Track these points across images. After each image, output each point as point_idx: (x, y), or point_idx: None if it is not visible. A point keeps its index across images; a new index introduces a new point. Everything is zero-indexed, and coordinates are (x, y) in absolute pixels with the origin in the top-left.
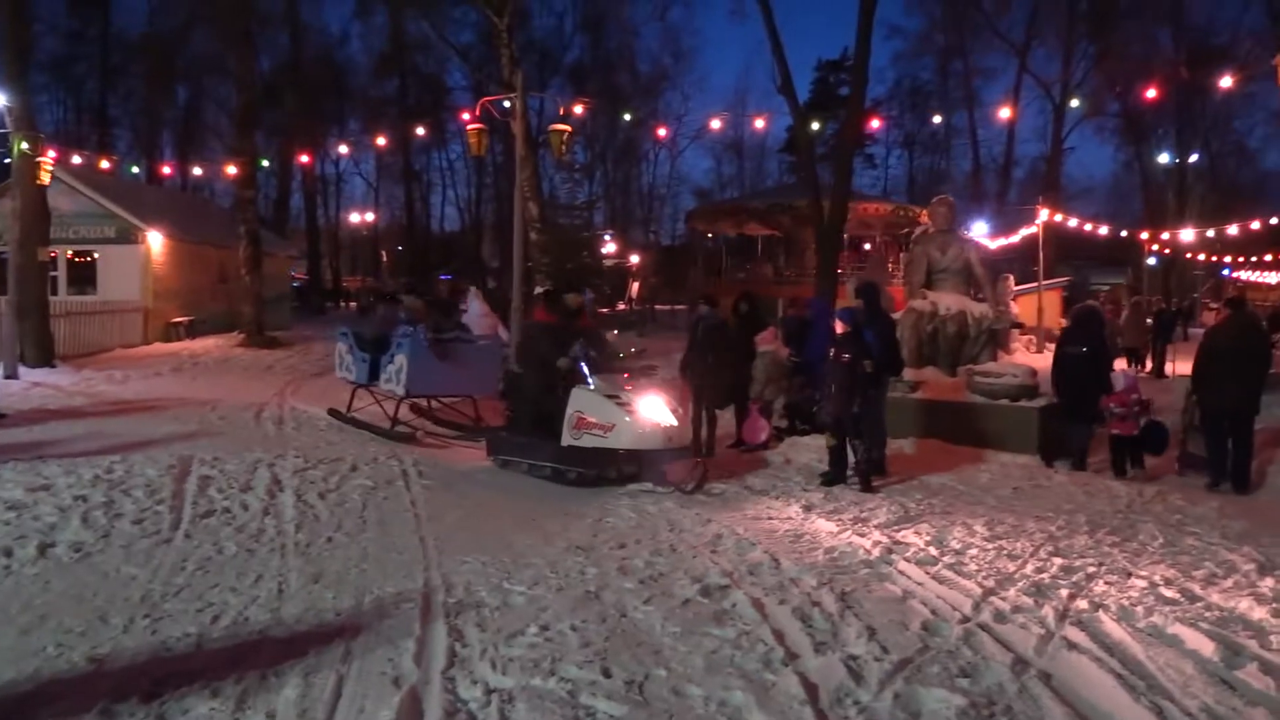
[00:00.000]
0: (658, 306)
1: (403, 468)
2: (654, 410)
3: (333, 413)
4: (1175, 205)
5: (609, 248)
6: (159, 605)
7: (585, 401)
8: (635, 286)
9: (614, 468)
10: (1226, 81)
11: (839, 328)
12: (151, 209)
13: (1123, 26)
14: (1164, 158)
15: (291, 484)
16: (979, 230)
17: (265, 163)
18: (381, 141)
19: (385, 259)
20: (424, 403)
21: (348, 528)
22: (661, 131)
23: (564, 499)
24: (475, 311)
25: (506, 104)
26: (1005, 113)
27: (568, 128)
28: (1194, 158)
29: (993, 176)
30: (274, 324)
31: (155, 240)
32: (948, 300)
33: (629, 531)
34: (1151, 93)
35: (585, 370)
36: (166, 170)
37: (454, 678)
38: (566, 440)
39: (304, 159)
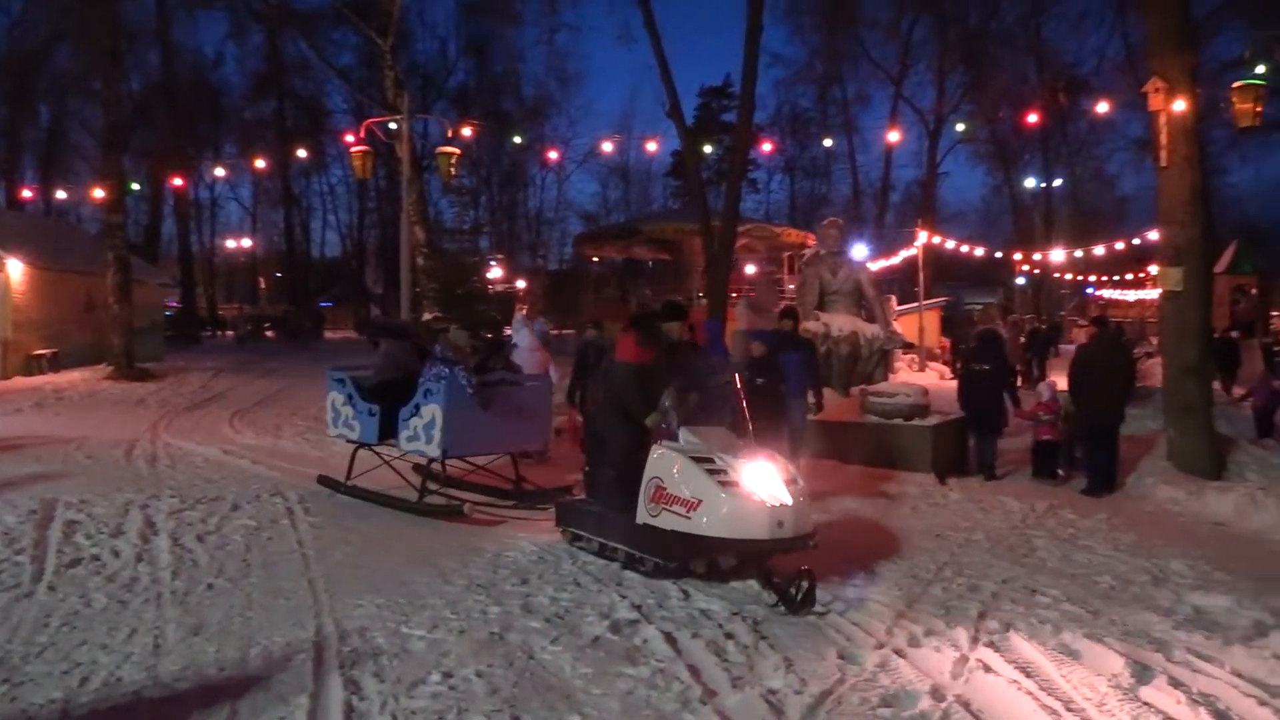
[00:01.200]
0: (553, 331)
1: (288, 505)
2: (761, 483)
3: (326, 482)
4: (1042, 227)
5: (495, 273)
6: (19, 668)
7: (665, 465)
8: (523, 311)
9: (701, 560)
10: (1104, 107)
11: (757, 350)
12: (10, 235)
13: (990, 57)
14: (1030, 182)
15: (167, 527)
16: (860, 253)
17: (135, 186)
18: (259, 165)
19: (263, 286)
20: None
21: (230, 572)
22: (553, 154)
23: (460, 533)
24: (525, 344)
25: (393, 125)
26: (893, 136)
27: (456, 150)
28: (1058, 182)
29: (871, 200)
30: (145, 355)
31: (15, 268)
32: (840, 321)
33: (530, 566)
34: (1027, 118)
35: (674, 422)
36: (27, 194)
37: None
38: (642, 517)
39: (177, 182)
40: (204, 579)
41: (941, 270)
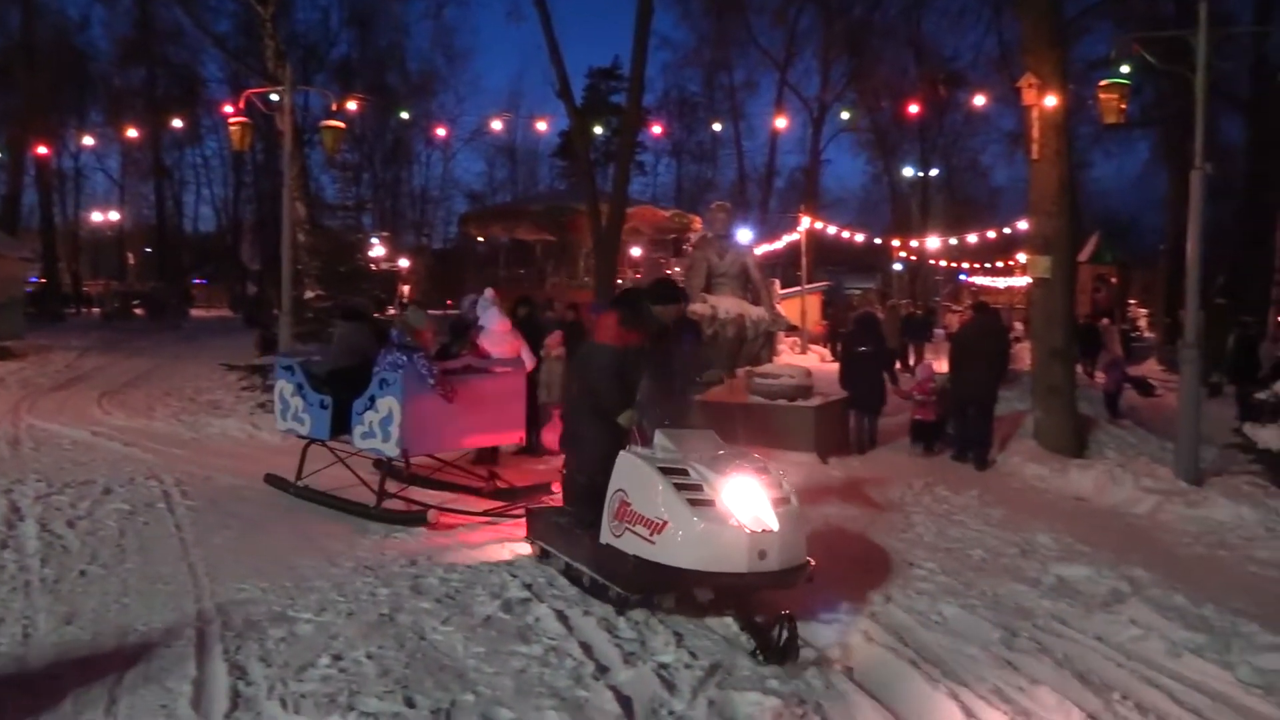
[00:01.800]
0: (431, 311)
1: (164, 488)
2: (743, 503)
3: (273, 481)
4: (919, 215)
5: (378, 250)
6: None
7: (631, 476)
8: (406, 290)
9: (669, 593)
10: (980, 101)
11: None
12: None
13: (873, 48)
14: (909, 171)
15: (34, 512)
16: (744, 237)
17: None
18: (129, 134)
19: (132, 261)
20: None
21: (104, 558)
22: (441, 131)
23: (347, 516)
24: (493, 325)
25: (274, 97)
26: (780, 123)
27: (341, 125)
28: (935, 172)
29: (756, 185)
30: (4, 333)
31: None
32: (726, 304)
33: (419, 548)
34: (907, 109)
35: (644, 425)
36: None
37: None
38: (605, 535)
39: (40, 151)
40: (76, 565)
41: (823, 255)
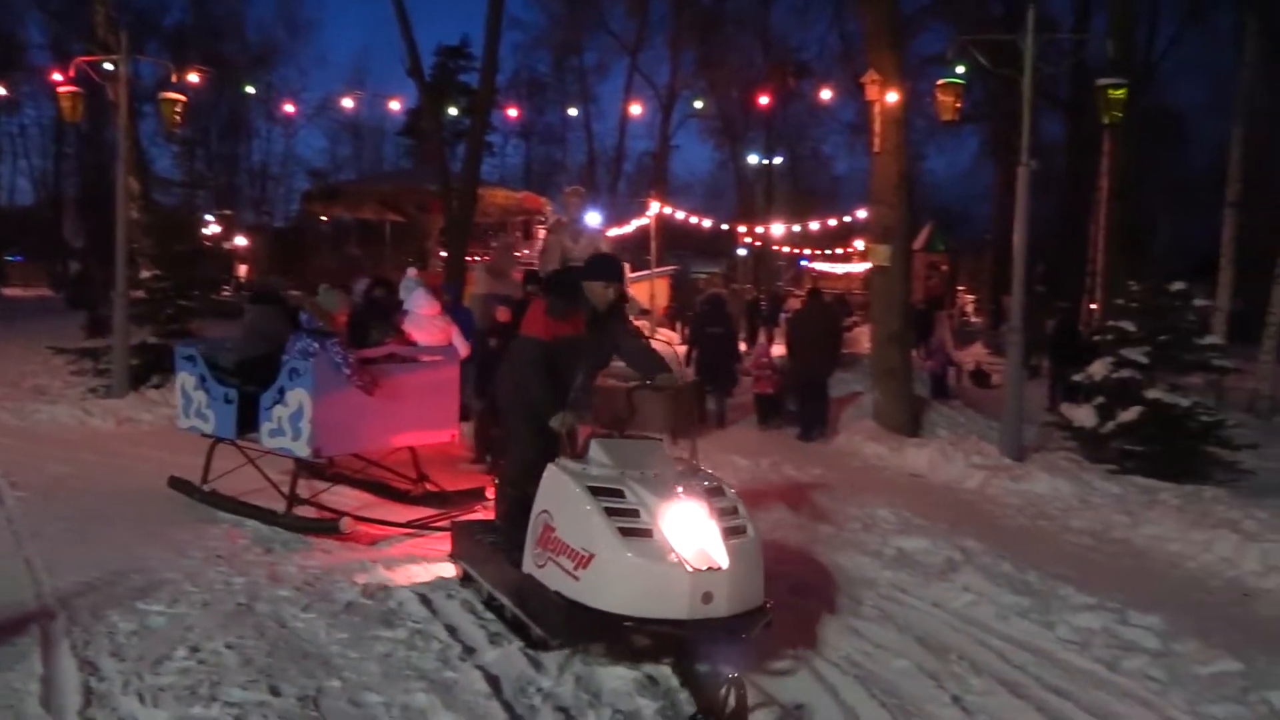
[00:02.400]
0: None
1: None
2: (685, 534)
3: (179, 485)
4: (763, 202)
5: (213, 228)
6: None
7: (556, 495)
8: (244, 270)
9: (596, 640)
10: (827, 93)
11: (503, 315)
12: None
13: (722, 37)
14: (754, 159)
15: None
16: (593, 220)
17: None
18: None
19: None
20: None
21: None
22: (289, 108)
23: (190, 504)
24: (420, 309)
25: (108, 66)
26: (635, 110)
27: (181, 96)
28: (779, 160)
29: (605, 169)
30: None
31: None
32: None
33: (274, 535)
34: (755, 98)
35: (591, 442)
36: None
37: (95, 718)
38: (528, 564)
39: None
40: None
41: (670, 240)
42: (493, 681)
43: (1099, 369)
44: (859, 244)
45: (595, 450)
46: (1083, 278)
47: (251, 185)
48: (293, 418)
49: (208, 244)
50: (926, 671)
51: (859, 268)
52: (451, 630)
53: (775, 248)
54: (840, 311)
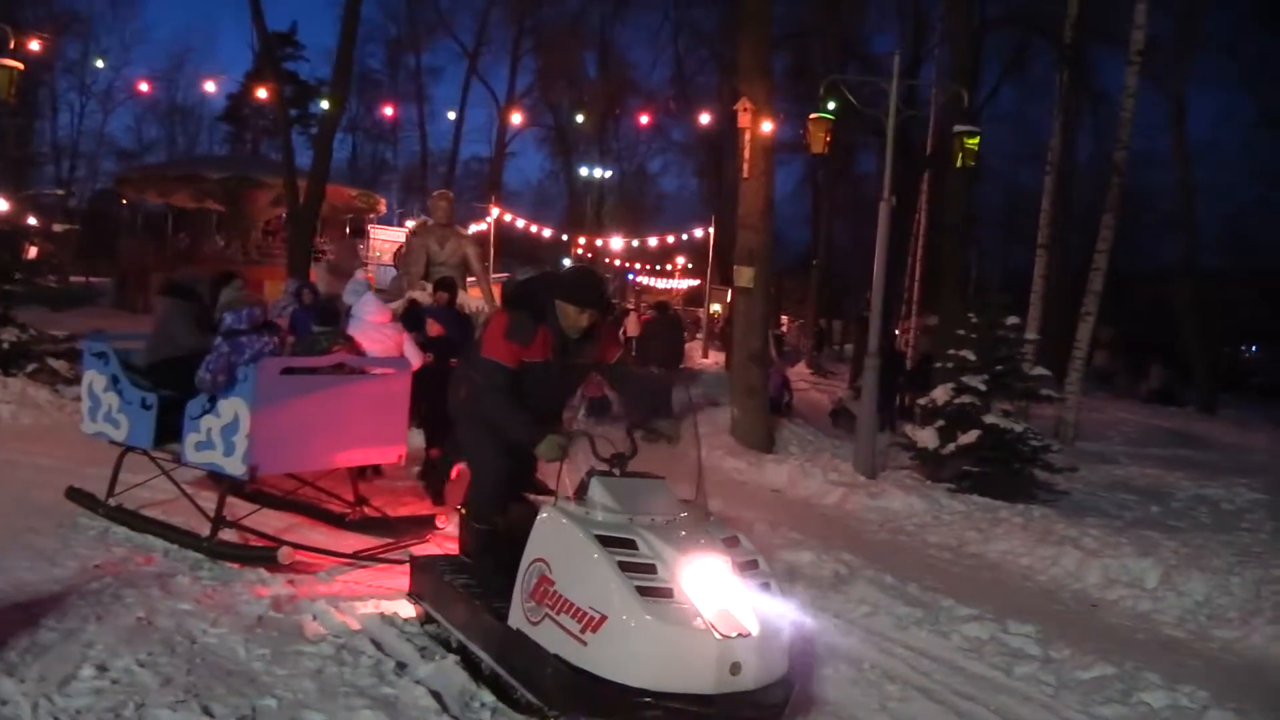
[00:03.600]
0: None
1: None
2: (708, 594)
3: (77, 497)
4: (593, 214)
5: None
6: None
7: (556, 543)
8: (34, 252)
9: (606, 712)
10: (702, 116)
11: (434, 329)
12: None
13: (559, 47)
14: (585, 170)
15: None
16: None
17: None
18: None
19: None
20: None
21: None
22: (144, 86)
23: (45, 500)
24: (369, 315)
25: None
26: (452, 114)
27: (19, 64)
28: (609, 174)
29: (437, 171)
30: None
31: None
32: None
33: (151, 541)
34: (590, 112)
35: (592, 482)
36: None
37: None
38: (517, 618)
39: None
40: None
41: (499, 247)
42: (435, 696)
43: (941, 394)
44: (680, 260)
45: (597, 491)
46: (897, 305)
47: (55, 164)
48: (225, 430)
49: None
50: (847, 680)
51: (681, 284)
52: (378, 645)
53: (608, 260)
54: (682, 325)
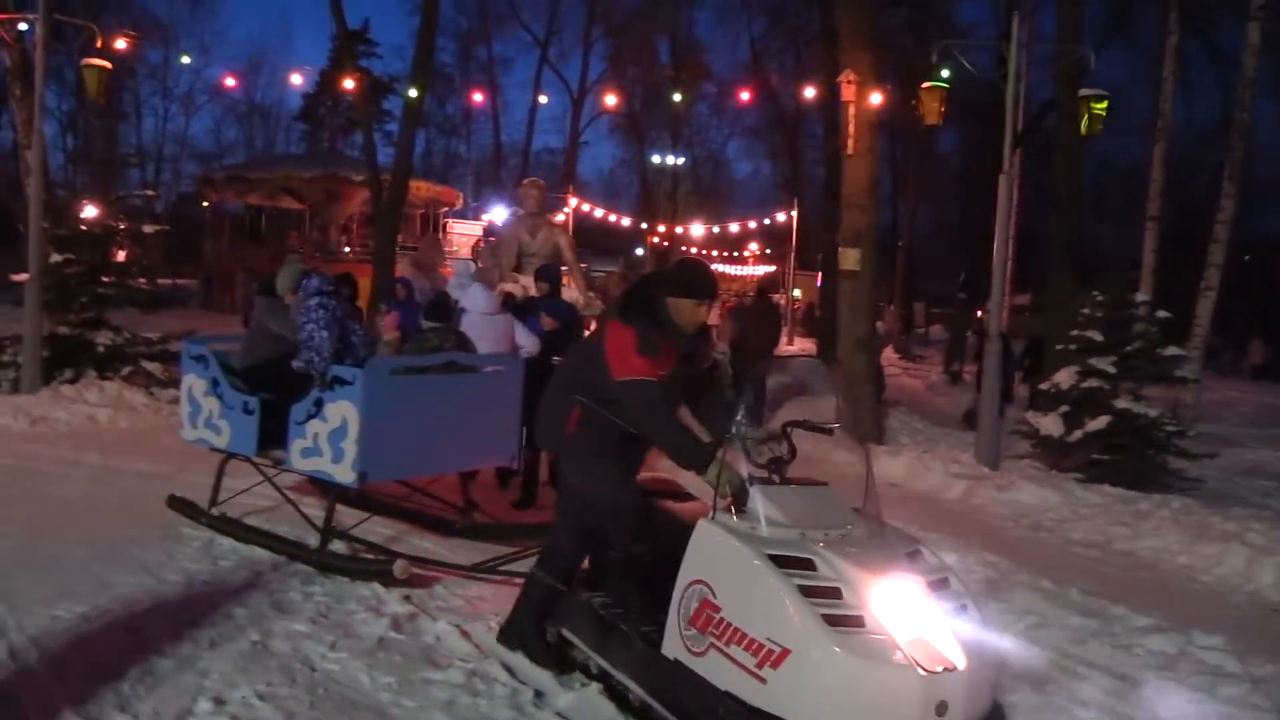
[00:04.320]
0: (160, 281)
1: None
2: (903, 622)
3: (179, 506)
4: (667, 202)
5: (89, 211)
6: None
7: (721, 564)
8: (123, 255)
9: None
10: (746, 96)
11: (548, 323)
12: None
13: (631, 33)
14: (657, 158)
15: None
16: (499, 214)
17: None
18: None
19: None
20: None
21: None
22: (230, 81)
23: (144, 510)
24: (482, 308)
25: (23, 26)
26: (542, 99)
27: (107, 64)
28: (681, 160)
29: (510, 163)
30: None
31: None
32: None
33: (255, 552)
34: (664, 97)
35: (756, 492)
36: None
37: None
38: (673, 647)
39: None
40: None
41: (575, 236)
42: None
43: (1065, 378)
44: (754, 247)
45: (761, 502)
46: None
47: (141, 168)
48: (333, 436)
49: (83, 227)
50: (1034, 708)
51: (757, 270)
52: (510, 670)
53: (684, 249)
54: (780, 313)
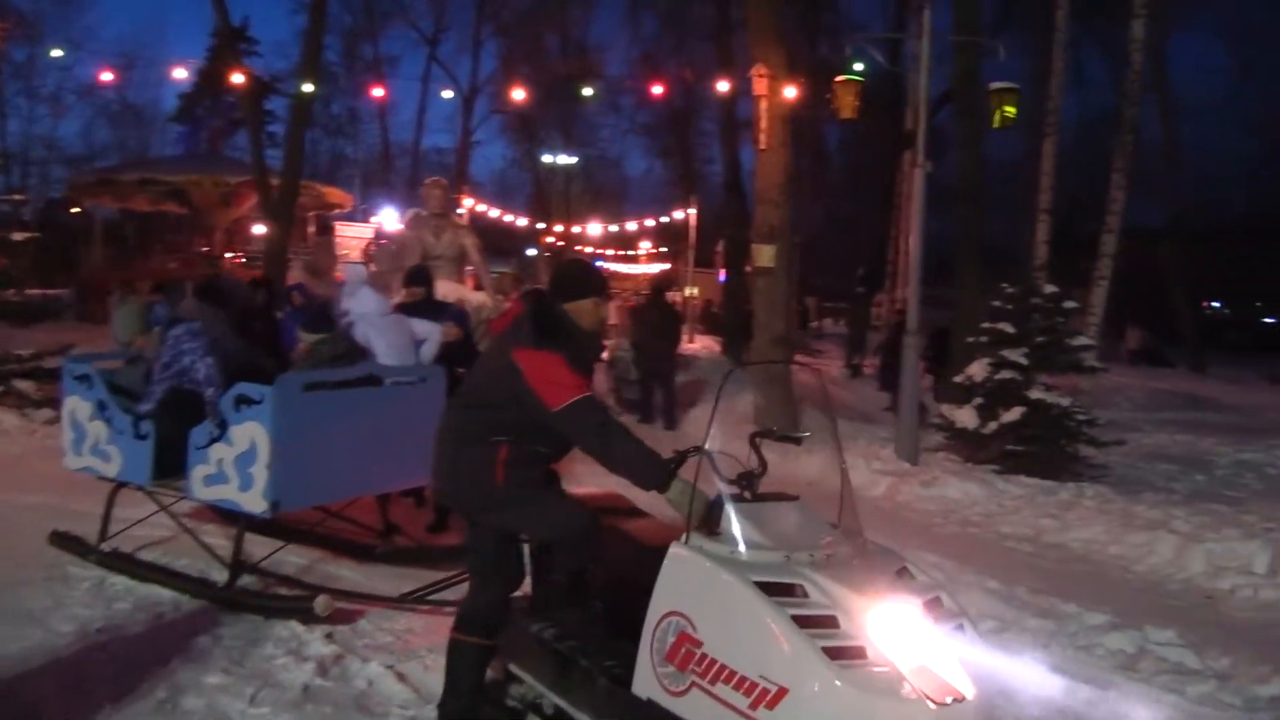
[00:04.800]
0: (30, 292)
1: None
2: (905, 649)
3: (64, 542)
4: (561, 201)
5: None
6: None
7: (700, 591)
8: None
9: None
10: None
11: (451, 334)
12: None
13: (522, 31)
14: (549, 158)
15: None
16: (389, 216)
17: None
18: None
19: None
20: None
21: None
22: (107, 76)
23: (26, 545)
24: (371, 306)
25: None
26: (445, 94)
27: None
28: (573, 160)
29: (399, 164)
30: None
31: None
32: (444, 289)
33: (159, 592)
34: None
35: (732, 512)
36: None
37: None
38: (646, 686)
39: None
40: None
41: None
42: None
43: (978, 370)
44: (646, 245)
45: (738, 522)
46: (883, 279)
47: (5, 171)
48: (240, 461)
49: None
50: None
51: (651, 269)
52: None
53: (579, 248)
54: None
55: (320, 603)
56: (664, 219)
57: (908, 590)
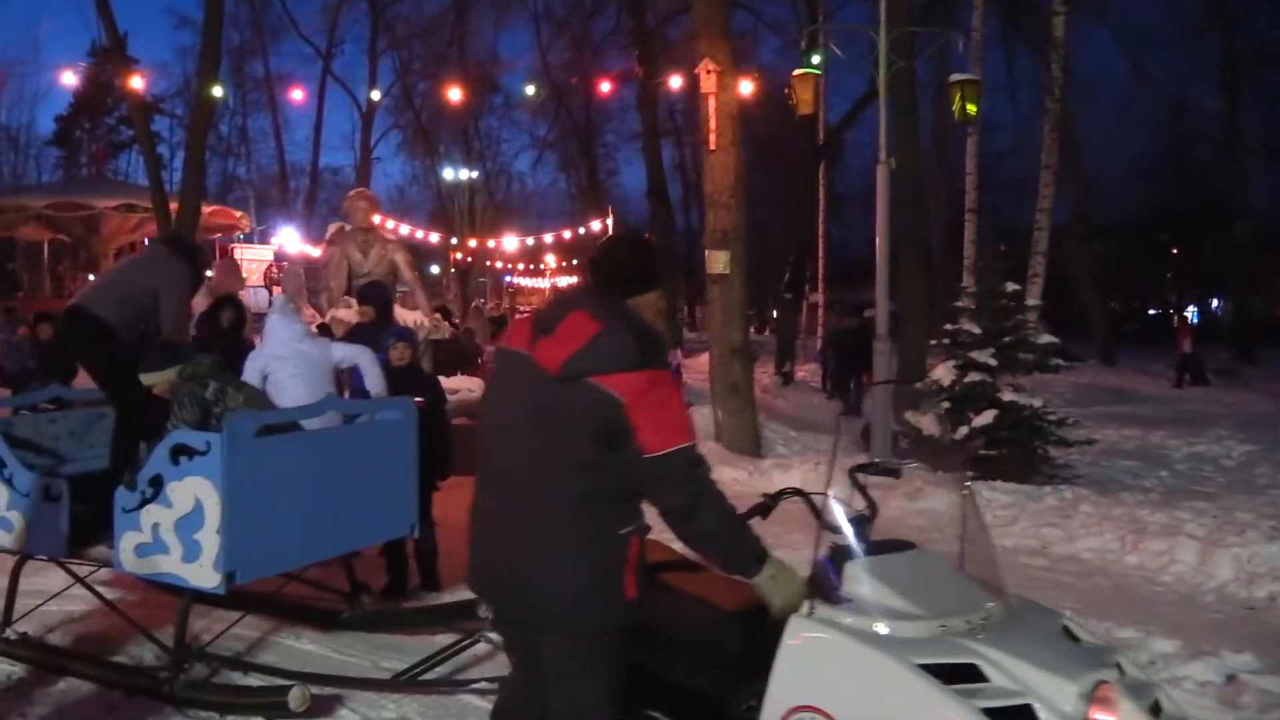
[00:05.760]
0: None
1: None
2: None
3: None
4: (463, 217)
5: None
6: None
7: (843, 678)
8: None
9: None
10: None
11: (399, 357)
12: None
13: (418, 45)
14: (450, 173)
15: None
16: (289, 237)
17: None
18: None
19: None
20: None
21: None
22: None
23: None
24: (285, 335)
25: None
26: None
27: None
28: (475, 174)
29: (294, 184)
30: None
31: None
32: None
33: (82, 687)
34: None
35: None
36: None
37: None
38: None
39: None
40: None
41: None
42: None
43: (944, 373)
44: (550, 259)
45: (869, 584)
46: (802, 282)
47: None
48: (182, 525)
49: None
50: None
51: (559, 281)
52: None
53: (489, 263)
54: None
55: (295, 696)
56: (580, 230)
57: (1092, 662)
